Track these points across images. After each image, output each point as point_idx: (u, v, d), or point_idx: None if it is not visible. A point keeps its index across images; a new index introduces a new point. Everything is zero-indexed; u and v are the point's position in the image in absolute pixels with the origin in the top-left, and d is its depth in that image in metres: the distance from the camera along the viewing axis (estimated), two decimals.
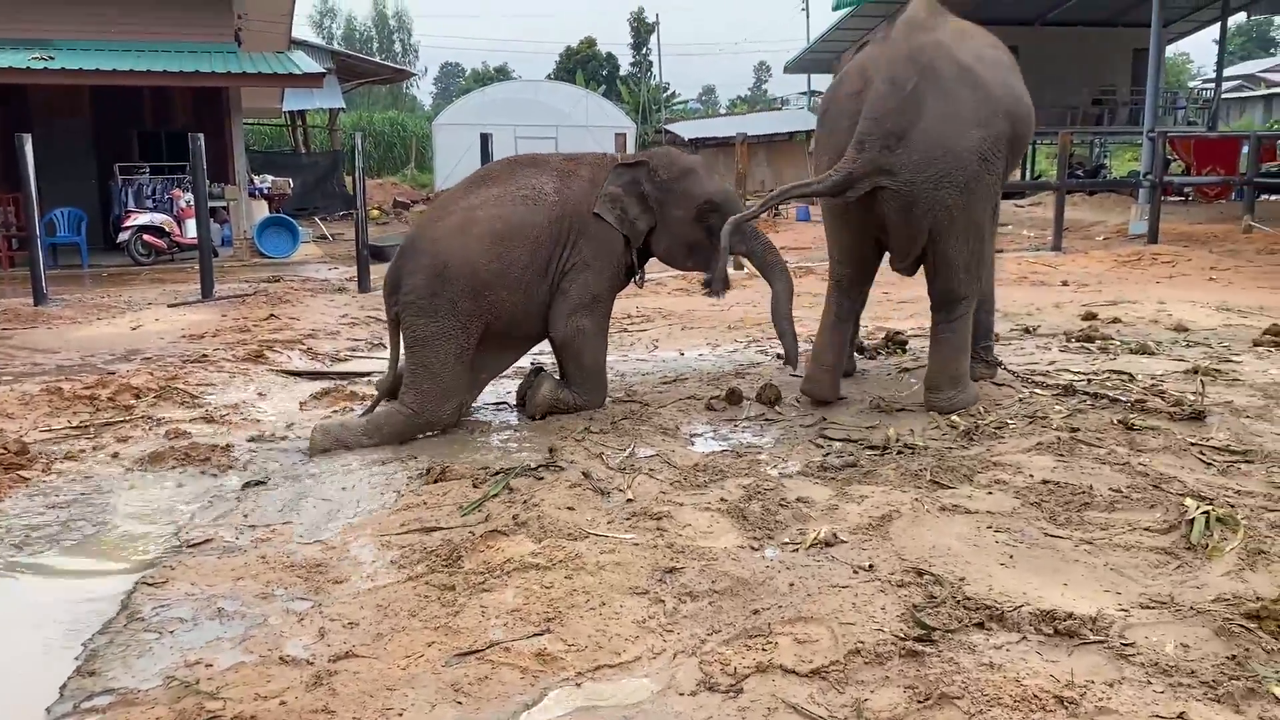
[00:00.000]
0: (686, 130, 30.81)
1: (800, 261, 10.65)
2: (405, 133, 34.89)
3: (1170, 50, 28.43)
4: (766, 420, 4.69)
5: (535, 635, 2.58)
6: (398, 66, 36.68)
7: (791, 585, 2.80)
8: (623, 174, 4.79)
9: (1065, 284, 9.31)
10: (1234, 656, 2.32)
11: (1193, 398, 4.47)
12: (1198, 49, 57.03)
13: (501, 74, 49.16)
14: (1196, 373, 5.13)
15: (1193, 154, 18.63)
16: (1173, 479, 3.52)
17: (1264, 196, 16.92)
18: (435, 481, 3.81)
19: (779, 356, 6.21)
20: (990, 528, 3.17)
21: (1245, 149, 16.61)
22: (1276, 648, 2.36)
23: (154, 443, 4.49)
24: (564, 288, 4.65)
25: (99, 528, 3.56)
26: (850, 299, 4.93)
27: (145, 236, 12.22)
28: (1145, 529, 3.12)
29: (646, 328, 7.54)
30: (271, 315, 8.00)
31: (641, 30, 47.94)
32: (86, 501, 3.80)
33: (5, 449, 4.18)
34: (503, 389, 5.41)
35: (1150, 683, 2.25)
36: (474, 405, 4.97)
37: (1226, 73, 28.09)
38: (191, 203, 11.41)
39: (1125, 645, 2.41)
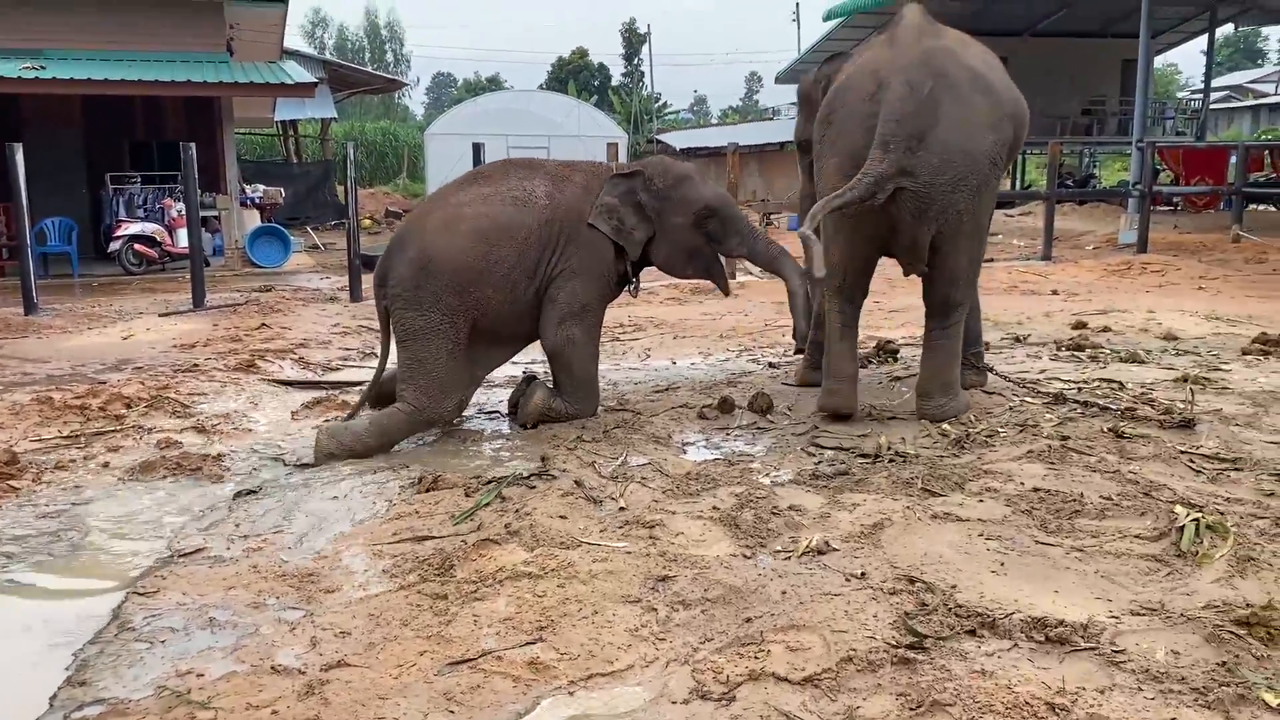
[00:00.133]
0: (678, 140, 30.91)
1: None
2: (397, 142, 34.95)
3: (1159, 61, 28.58)
4: (758, 429, 4.71)
5: (528, 644, 2.58)
6: (390, 76, 36.67)
7: (784, 593, 2.80)
8: (618, 184, 4.79)
9: (1055, 293, 9.36)
10: (1224, 663, 2.33)
11: (1182, 406, 4.49)
12: (1186, 60, 57.45)
13: (493, 84, 49.35)
14: (1186, 381, 5.16)
15: (1181, 164, 18.74)
16: (1163, 486, 3.53)
17: (1252, 206, 17.06)
18: (427, 490, 3.80)
19: (770, 365, 6.24)
20: (981, 535, 3.18)
21: (1233, 159, 16.73)
22: (1266, 654, 2.37)
23: (145, 452, 4.48)
24: (552, 295, 4.65)
25: (89, 537, 3.54)
26: (853, 304, 4.94)
27: (136, 246, 12.16)
28: (1136, 536, 3.13)
29: (639, 336, 7.55)
30: (263, 325, 7.98)
31: (633, 40, 48.19)
32: (77, 511, 3.79)
33: None
34: (495, 398, 5.41)
35: (1141, 689, 2.26)
36: (465, 414, 4.97)
37: (1215, 83, 28.35)
38: (183, 212, 11.34)
39: (1116, 652, 2.41)
